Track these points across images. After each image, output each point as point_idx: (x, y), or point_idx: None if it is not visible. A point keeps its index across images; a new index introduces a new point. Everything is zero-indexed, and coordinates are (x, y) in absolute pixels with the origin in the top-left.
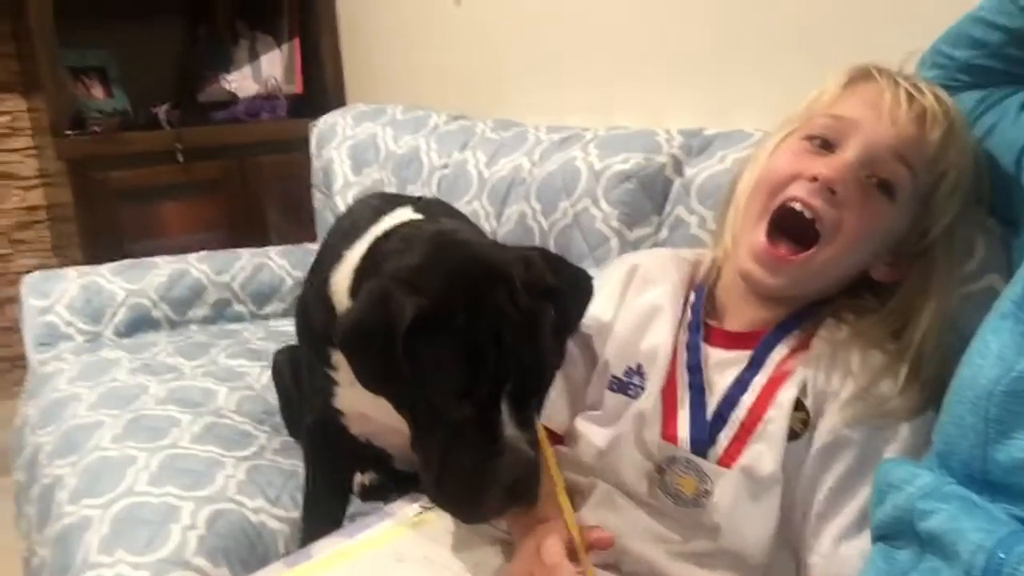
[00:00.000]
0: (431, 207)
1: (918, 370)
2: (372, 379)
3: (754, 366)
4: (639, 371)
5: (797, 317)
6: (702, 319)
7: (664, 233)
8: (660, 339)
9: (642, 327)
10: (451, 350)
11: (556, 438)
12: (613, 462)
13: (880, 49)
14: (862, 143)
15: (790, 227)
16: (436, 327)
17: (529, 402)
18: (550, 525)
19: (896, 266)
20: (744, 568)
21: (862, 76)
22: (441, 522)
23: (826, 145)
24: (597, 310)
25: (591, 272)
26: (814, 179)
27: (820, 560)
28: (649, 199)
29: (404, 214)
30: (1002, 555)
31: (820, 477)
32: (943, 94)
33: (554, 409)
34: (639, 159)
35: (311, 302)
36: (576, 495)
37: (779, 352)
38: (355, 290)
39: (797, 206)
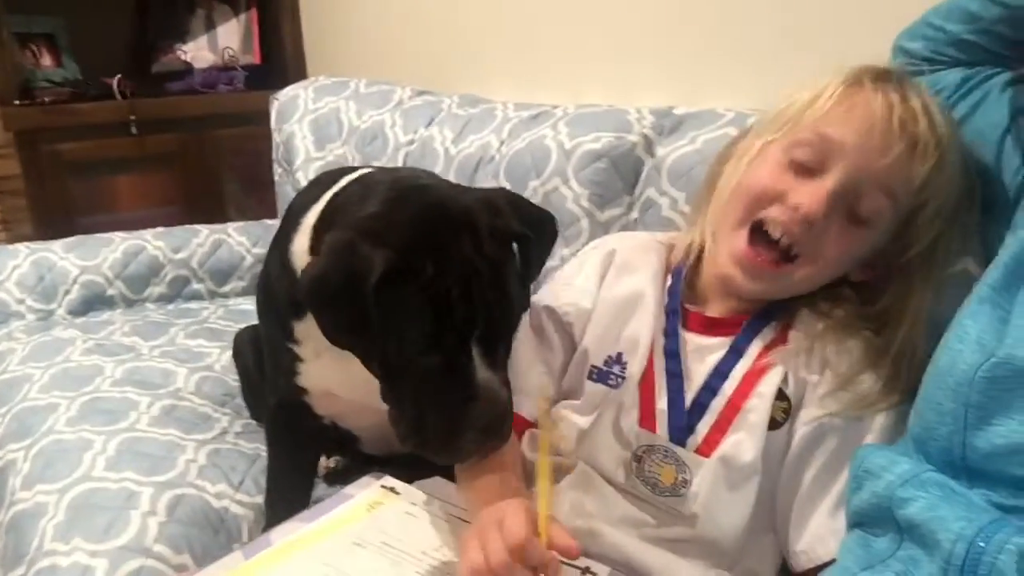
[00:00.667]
0: (385, 168)
1: (899, 365)
2: (339, 332)
3: (734, 354)
4: (619, 360)
5: (777, 305)
6: (680, 304)
7: (635, 214)
8: (642, 327)
9: (622, 315)
10: (420, 301)
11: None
12: (590, 449)
13: (857, 28)
14: (846, 172)
15: (770, 238)
16: (404, 279)
17: (497, 347)
18: (515, 504)
19: (873, 267)
20: (717, 554)
21: (857, 84)
22: (397, 506)
23: (810, 162)
24: (577, 297)
25: (563, 252)
26: (794, 208)
27: (806, 545)
28: (620, 179)
29: (361, 172)
30: (982, 544)
31: (803, 465)
32: (938, 115)
33: (533, 404)
34: (610, 138)
35: (273, 274)
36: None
37: (760, 341)
38: (315, 248)
39: (775, 232)
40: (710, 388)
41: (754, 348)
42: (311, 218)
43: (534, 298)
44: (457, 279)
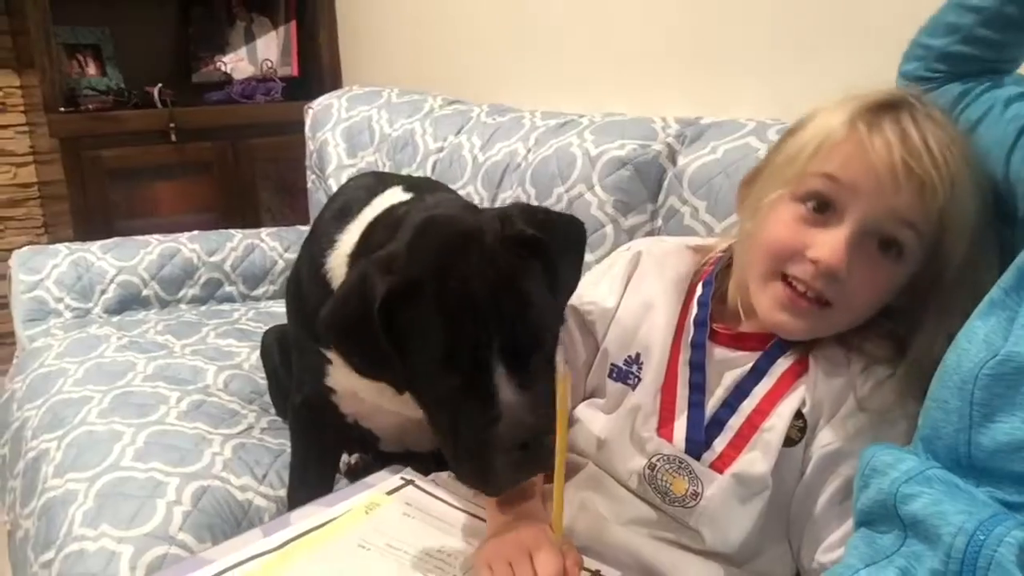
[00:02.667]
0: (420, 185)
1: (919, 383)
2: (364, 365)
3: (756, 374)
4: (638, 360)
5: None
6: (708, 316)
7: (659, 222)
8: (656, 331)
9: (642, 316)
10: (426, 318)
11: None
12: (606, 454)
13: (880, 37)
14: (862, 214)
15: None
16: (408, 299)
17: (527, 361)
18: (540, 535)
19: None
20: (725, 560)
21: (853, 126)
22: (393, 507)
23: (824, 207)
24: (601, 296)
25: (587, 259)
26: (815, 262)
27: (818, 566)
28: (644, 187)
29: (394, 195)
30: (982, 537)
31: (819, 486)
32: (941, 144)
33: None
34: (634, 146)
35: (306, 284)
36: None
37: (784, 362)
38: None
39: (801, 288)
40: (729, 405)
41: (777, 369)
42: (348, 242)
43: None
44: (464, 294)
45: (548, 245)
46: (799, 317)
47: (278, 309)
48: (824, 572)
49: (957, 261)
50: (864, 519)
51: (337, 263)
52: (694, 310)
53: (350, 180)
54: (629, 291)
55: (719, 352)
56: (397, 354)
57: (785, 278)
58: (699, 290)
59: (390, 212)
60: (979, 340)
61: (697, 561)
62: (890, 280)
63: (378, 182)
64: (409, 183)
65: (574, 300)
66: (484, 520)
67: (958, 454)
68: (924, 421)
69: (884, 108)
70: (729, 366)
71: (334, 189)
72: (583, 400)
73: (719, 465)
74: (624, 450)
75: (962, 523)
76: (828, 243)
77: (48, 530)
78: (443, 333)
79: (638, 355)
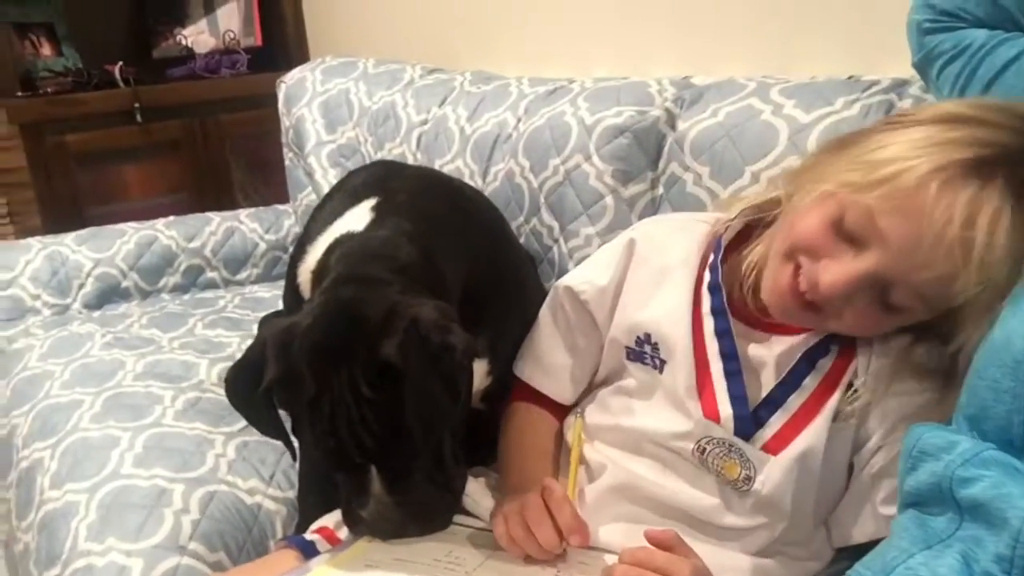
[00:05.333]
0: (391, 204)
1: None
2: (255, 426)
3: (821, 348)
4: (649, 340)
5: None
6: (721, 279)
7: (660, 190)
8: (672, 306)
9: (647, 295)
10: (307, 418)
11: (564, 409)
12: (652, 436)
13: None
14: (881, 265)
15: None
16: (291, 387)
17: (401, 470)
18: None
19: None
20: (772, 543)
21: (941, 179)
22: None
23: (850, 239)
24: (591, 275)
25: (587, 231)
26: (818, 276)
27: (874, 520)
28: (644, 154)
29: (357, 216)
30: None
31: (882, 447)
32: (1010, 234)
33: (556, 383)
34: (632, 112)
35: (287, 285)
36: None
37: (830, 357)
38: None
39: (803, 284)
40: (789, 383)
41: (832, 352)
42: (311, 259)
43: (556, 281)
44: (334, 411)
45: (407, 377)
46: (783, 315)
47: (264, 294)
48: (873, 552)
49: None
50: (913, 500)
51: (304, 276)
52: (707, 276)
53: (350, 174)
54: (632, 271)
55: (747, 330)
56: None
57: (797, 267)
58: (710, 258)
59: (337, 245)
60: None
61: (730, 555)
62: (883, 323)
63: (363, 187)
64: (383, 194)
65: (568, 281)
66: (491, 531)
67: (1011, 435)
68: (969, 400)
69: (975, 171)
70: (770, 337)
71: (315, 167)
72: (599, 386)
73: (773, 445)
74: (670, 435)
75: None
76: (834, 272)
77: (51, 545)
78: (322, 438)
79: (648, 335)
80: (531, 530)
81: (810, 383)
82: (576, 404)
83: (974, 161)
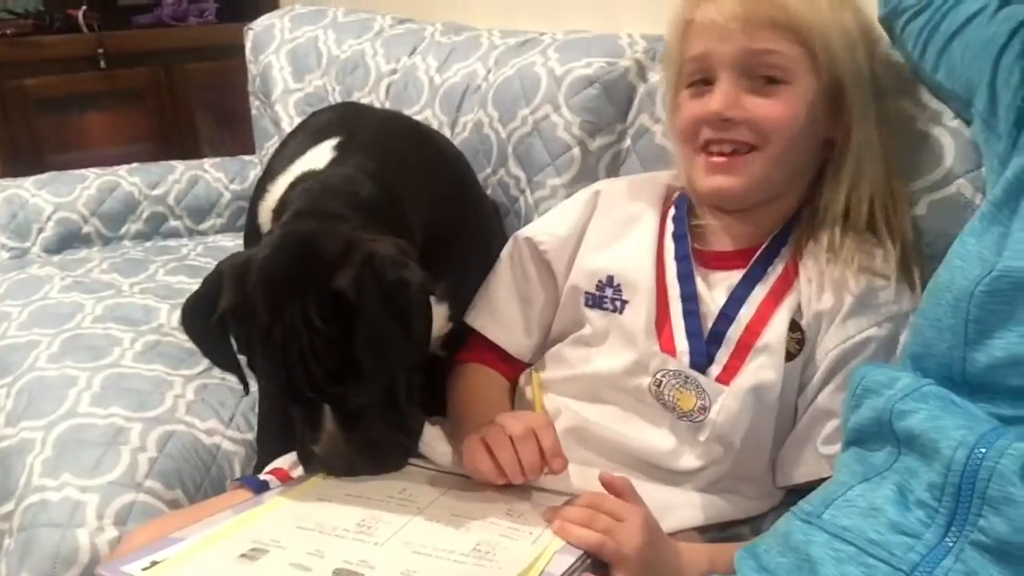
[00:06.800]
0: (354, 143)
1: (906, 256)
2: (210, 358)
3: (748, 281)
4: (611, 283)
5: (783, 232)
6: (687, 230)
7: (627, 142)
8: (634, 253)
9: (611, 240)
10: (260, 349)
11: (515, 367)
12: (609, 378)
13: None
14: (724, 65)
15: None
16: (245, 319)
17: (353, 406)
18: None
19: (834, 120)
20: (725, 479)
21: (686, 9)
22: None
23: (706, 82)
24: (552, 226)
25: (553, 182)
26: (710, 119)
27: (792, 471)
28: (613, 105)
29: (318, 155)
30: (983, 450)
31: (826, 383)
32: None
33: (510, 335)
34: (602, 63)
35: (248, 224)
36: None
37: (776, 267)
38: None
39: (715, 148)
40: (727, 316)
41: (771, 274)
42: (272, 197)
43: (517, 231)
44: (286, 342)
45: (361, 309)
46: (730, 173)
47: (227, 243)
48: (818, 488)
49: (848, 69)
50: (855, 438)
51: (264, 215)
52: (670, 227)
53: (313, 114)
54: (594, 221)
55: (703, 271)
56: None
57: (704, 149)
58: (672, 210)
59: (298, 182)
60: (972, 256)
61: (683, 495)
62: (791, 103)
63: (327, 126)
64: (347, 134)
65: (529, 232)
66: (447, 473)
67: (951, 371)
68: (913, 338)
69: None
70: (717, 283)
71: (281, 115)
72: (554, 342)
73: (724, 377)
74: (627, 370)
75: (962, 437)
76: (713, 98)
77: (5, 481)
78: (274, 370)
79: (610, 278)
80: (514, 449)
81: (745, 313)
82: (529, 365)
83: None
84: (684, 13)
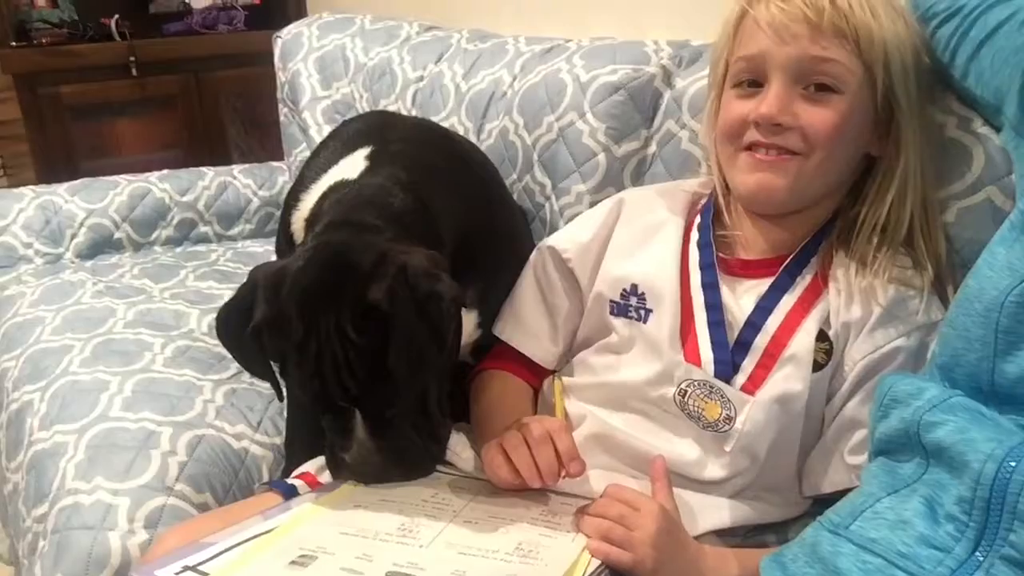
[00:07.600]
0: (386, 153)
1: (926, 253)
2: (245, 367)
3: (777, 291)
4: (635, 292)
5: (814, 242)
6: (712, 239)
7: (653, 148)
8: (659, 261)
9: (635, 248)
10: (294, 359)
11: (541, 375)
12: (634, 388)
13: None
14: (778, 68)
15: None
16: (279, 330)
17: (384, 414)
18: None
19: (886, 137)
20: (750, 489)
21: (741, 11)
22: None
23: (755, 83)
24: (575, 234)
25: (579, 188)
26: (761, 121)
27: (841, 468)
28: (638, 111)
29: (352, 164)
30: (1012, 463)
31: (854, 394)
32: None
33: (537, 344)
34: (627, 70)
35: (281, 233)
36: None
37: (805, 277)
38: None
39: (760, 153)
40: (753, 325)
41: (799, 284)
42: (305, 207)
43: (542, 241)
44: (320, 353)
45: (395, 321)
46: (772, 172)
47: (256, 249)
48: (844, 498)
49: (902, 92)
50: (883, 448)
51: (298, 224)
52: (695, 235)
53: (344, 123)
54: (619, 228)
55: (729, 280)
56: (271, 367)
57: (747, 149)
58: (698, 218)
59: (331, 192)
60: (1002, 266)
61: (708, 500)
62: (841, 114)
63: (358, 135)
64: (378, 144)
65: (552, 242)
66: (473, 478)
67: (980, 382)
68: (942, 349)
69: None
70: (743, 292)
71: (309, 123)
72: (580, 349)
73: (749, 387)
74: (652, 382)
75: (991, 450)
76: (762, 101)
77: (39, 483)
78: (308, 380)
79: (634, 287)
80: (532, 453)
81: (772, 323)
82: (554, 371)
83: None
84: (739, 9)
